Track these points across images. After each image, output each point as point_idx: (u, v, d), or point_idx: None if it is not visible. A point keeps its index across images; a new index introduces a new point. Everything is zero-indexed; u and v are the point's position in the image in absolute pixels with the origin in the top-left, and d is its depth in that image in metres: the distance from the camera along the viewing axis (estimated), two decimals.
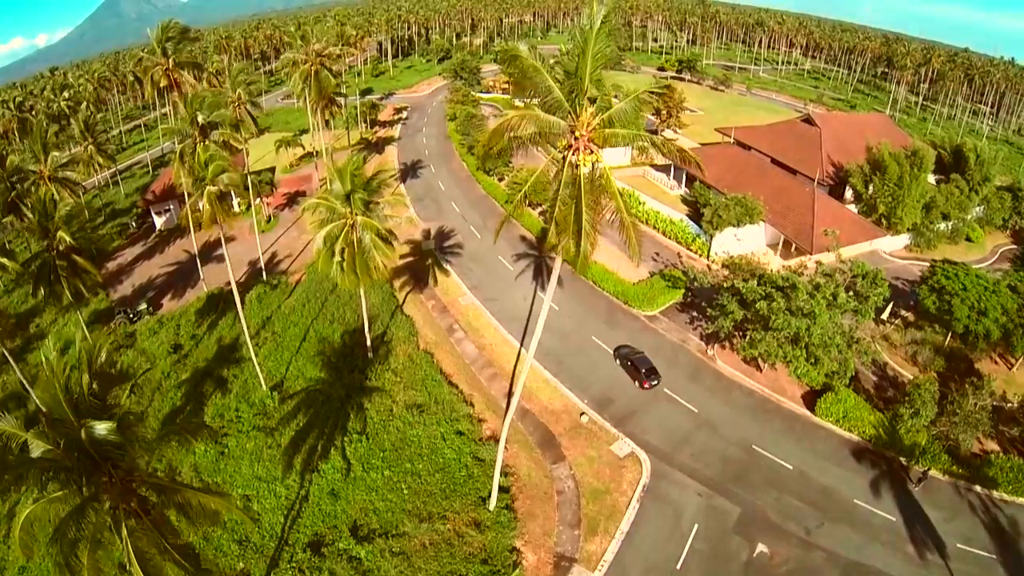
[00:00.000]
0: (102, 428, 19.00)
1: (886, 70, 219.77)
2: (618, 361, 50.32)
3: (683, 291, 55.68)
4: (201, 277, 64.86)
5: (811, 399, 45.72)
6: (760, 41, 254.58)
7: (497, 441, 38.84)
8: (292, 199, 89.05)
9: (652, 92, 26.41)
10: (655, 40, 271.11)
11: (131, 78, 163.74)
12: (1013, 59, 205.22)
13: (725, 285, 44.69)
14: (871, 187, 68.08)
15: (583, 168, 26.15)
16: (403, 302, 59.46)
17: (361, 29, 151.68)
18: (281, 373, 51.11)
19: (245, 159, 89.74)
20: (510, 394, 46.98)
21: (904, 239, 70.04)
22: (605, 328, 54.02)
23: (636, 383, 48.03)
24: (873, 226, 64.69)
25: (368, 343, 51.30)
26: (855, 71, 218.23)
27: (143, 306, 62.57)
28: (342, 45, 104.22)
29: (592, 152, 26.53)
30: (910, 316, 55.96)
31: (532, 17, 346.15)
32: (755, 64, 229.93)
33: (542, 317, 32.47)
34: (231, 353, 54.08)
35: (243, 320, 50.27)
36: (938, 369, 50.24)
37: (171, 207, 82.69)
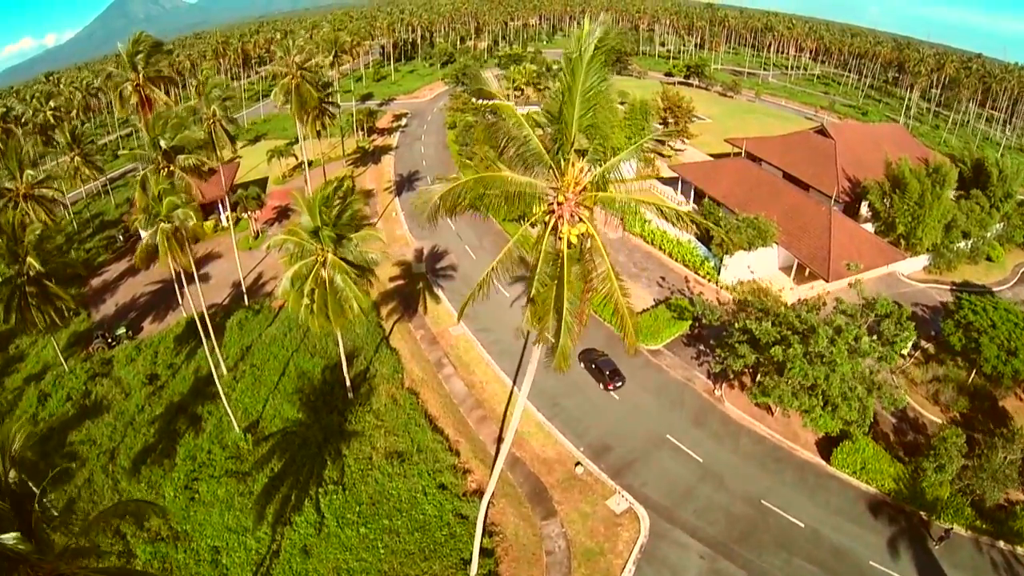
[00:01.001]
0: (8, 538, 17.10)
1: (897, 75, 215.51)
2: (582, 365, 49.59)
3: (690, 322, 51.87)
4: (179, 303, 61.56)
5: (826, 446, 42.09)
6: (769, 46, 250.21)
7: (483, 495, 35.29)
8: (283, 213, 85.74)
9: (657, 140, 22.03)
10: (662, 44, 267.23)
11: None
12: None
13: (736, 325, 40.76)
14: (890, 204, 64.22)
15: (569, 239, 21.32)
16: (390, 332, 55.89)
17: (357, 35, 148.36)
18: (258, 411, 47.78)
19: (224, 174, 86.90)
20: (499, 440, 43.47)
21: (923, 260, 66.25)
22: None
23: (600, 385, 47.84)
24: (893, 248, 60.77)
25: (348, 383, 47.82)
26: (866, 77, 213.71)
27: (121, 330, 59.72)
28: (335, 53, 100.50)
29: (581, 220, 21.66)
30: (931, 348, 52.22)
31: (538, 20, 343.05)
32: (764, 69, 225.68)
33: (534, 361, 27.92)
34: (207, 386, 50.67)
35: (218, 354, 47.20)
36: (961, 410, 46.77)
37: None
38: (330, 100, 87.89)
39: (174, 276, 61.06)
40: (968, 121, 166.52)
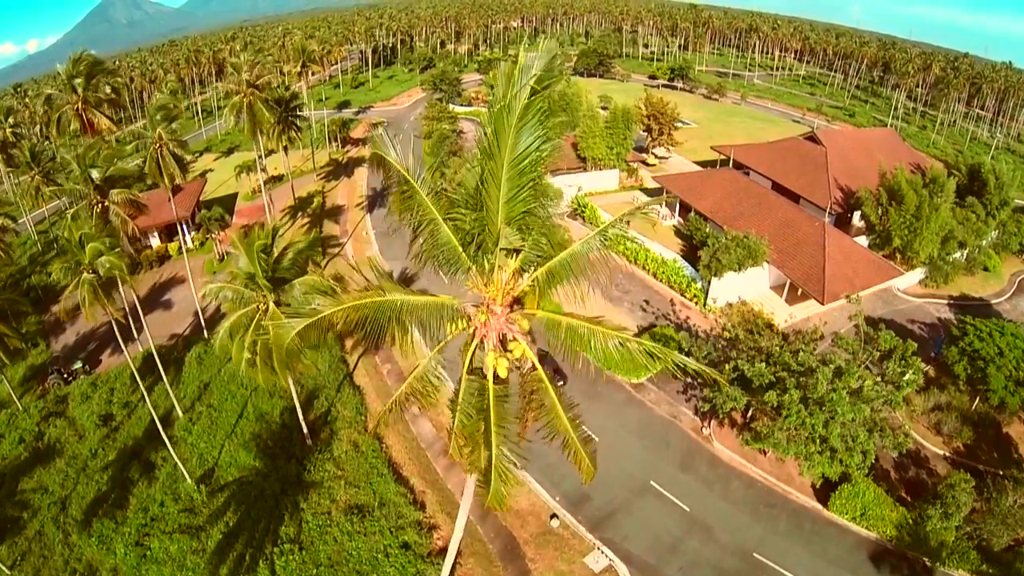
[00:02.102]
0: None
1: (883, 75, 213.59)
2: None
3: (680, 336, 47.91)
4: (135, 337, 57.57)
5: (823, 488, 38.61)
6: (754, 46, 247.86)
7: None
8: (249, 232, 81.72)
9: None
10: (646, 46, 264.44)
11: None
12: (1011, 63, 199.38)
13: (727, 366, 37.11)
14: (885, 216, 61.12)
15: (496, 371, 16.04)
16: (355, 368, 52.03)
17: (328, 43, 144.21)
18: (214, 457, 44.19)
19: (189, 192, 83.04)
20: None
21: (918, 273, 63.22)
22: (583, 400, 45.82)
23: None
24: (890, 265, 57.56)
25: (305, 430, 44.08)
26: (852, 77, 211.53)
27: (78, 364, 56.37)
28: (303, 62, 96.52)
29: (515, 340, 16.30)
30: (930, 370, 49.08)
31: (520, 22, 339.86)
32: (749, 70, 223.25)
33: (468, 493, 23.29)
34: (166, 428, 46.91)
35: (172, 398, 43.53)
36: (965, 440, 43.71)
37: (119, 245, 75.81)
38: (296, 113, 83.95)
39: (128, 310, 57.52)
40: (955, 121, 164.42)
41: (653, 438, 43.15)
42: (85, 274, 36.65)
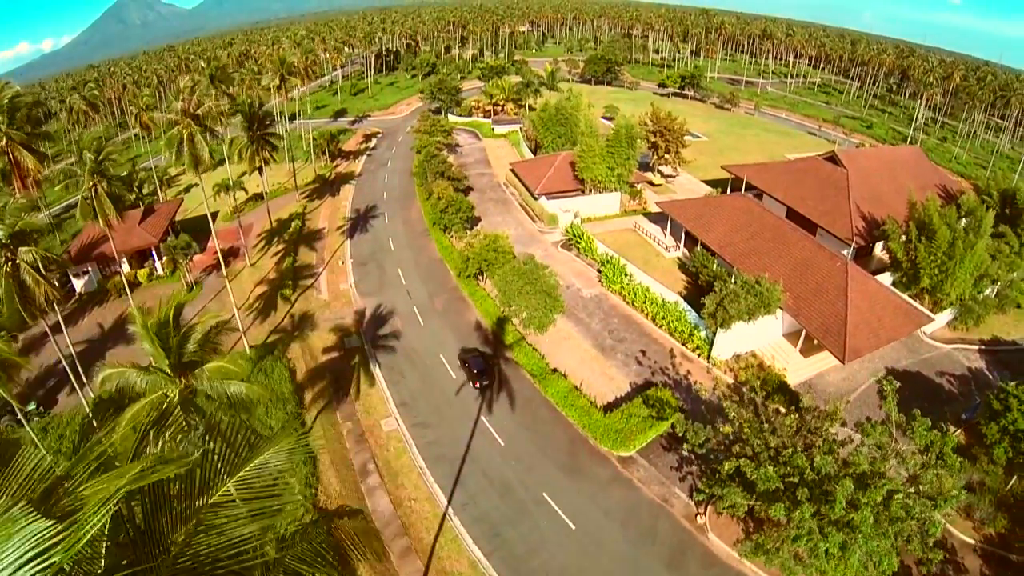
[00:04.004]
0: None
1: (899, 83, 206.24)
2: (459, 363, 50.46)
3: (673, 420, 40.92)
4: (85, 383, 51.76)
5: None
6: (767, 53, 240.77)
7: None
8: (224, 257, 76.03)
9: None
10: (656, 52, 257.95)
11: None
12: None
13: (726, 466, 30.28)
14: (913, 252, 54.41)
15: None
16: (311, 426, 45.84)
17: (312, 53, 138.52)
18: None
19: (162, 213, 77.46)
20: None
21: (947, 315, 56.38)
22: (562, 477, 39.89)
23: (471, 383, 48.02)
24: (920, 310, 50.76)
25: None
26: (868, 85, 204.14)
27: (32, 406, 51.53)
28: (282, 75, 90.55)
29: None
30: (960, 435, 42.40)
31: (529, 27, 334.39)
32: (762, 77, 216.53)
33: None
34: None
35: None
36: (999, 529, 37.01)
37: (89, 270, 70.60)
38: (270, 132, 78.19)
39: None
40: (975, 132, 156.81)
41: (639, 527, 36.51)
42: None
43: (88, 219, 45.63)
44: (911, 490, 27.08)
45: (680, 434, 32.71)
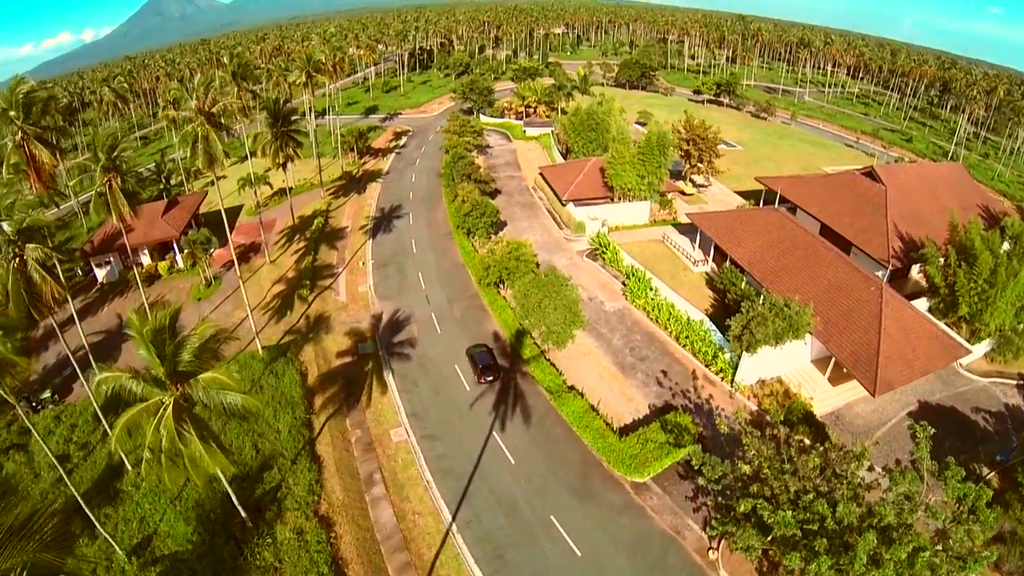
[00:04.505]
0: None
1: (939, 95, 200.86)
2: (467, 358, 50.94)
3: (690, 448, 38.91)
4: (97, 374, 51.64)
5: None
6: (805, 61, 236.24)
7: None
8: (246, 253, 75.75)
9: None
10: (692, 58, 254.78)
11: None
12: None
13: (740, 507, 28.23)
14: (952, 277, 51.88)
15: None
16: (320, 432, 44.78)
17: (341, 51, 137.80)
18: (155, 523, 38.18)
19: (185, 206, 77.27)
20: None
21: (984, 346, 53.64)
22: (572, 501, 38.25)
23: (476, 379, 48.66)
24: (957, 341, 48.19)
25: (243, 514, 37.11)
26: (908, 97, 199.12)
27: (47, 394, 52.16)
28: (308, 73, 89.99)
29: None
30: (993, 478, 39.97)
31: (566, 28, 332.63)
32: (799, 86, 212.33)
33: None
34: (115, 479, 42.00)
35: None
36: None
37: (111, 260, 70.74)
38: (295, 128, 77.61)
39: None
40: (1020, 149, 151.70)
41: (647, 559, 34.73)
42: None
43: (102, 214, 45.15)
44: (939, 547, 25.09)
45: (696, 467, 30.95)
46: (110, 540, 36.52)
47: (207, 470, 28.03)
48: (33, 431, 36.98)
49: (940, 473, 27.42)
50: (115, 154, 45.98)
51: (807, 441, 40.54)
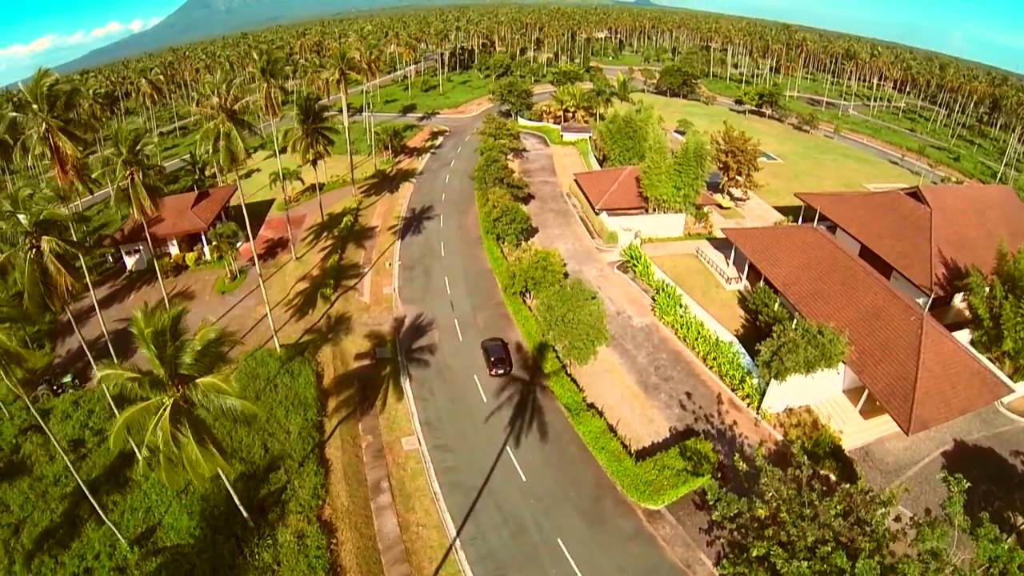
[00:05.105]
0: None
1: (989, 113, 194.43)
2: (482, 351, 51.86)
3: (707, 479, 36.51)
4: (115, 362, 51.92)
5: None
6: (850, 73, 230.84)
7: None
8: (273, 248, 75.71)
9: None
10: (735, 66, 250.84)
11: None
12: None
13: (753, 552, 26.44)
14: (998, 309, 49.32)
15: None
16: (330, 435, 44.04)
17: (376, 48, 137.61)
18: (160, 514, 38.34)
19: (216, 199, 77.55)
20: None
21: None
22: (581, 524, 36.85)
23: (488, 371, 49.59)
24: (1000, 378, 45.60)
25: (245, 514, 36.55)
26: (956, 113, 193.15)
27: (68, 378, 52.82)
28: (342, 70, 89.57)
29: None
30: None
31: (609, 33, 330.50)
32: (844, 99, 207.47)
33: None
34: (125, 467, 42.55)
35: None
36: None
37: (140, 248, 71.30)
38: (326, 126, 77.40)
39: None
40: None
41: None
42: None
43: (123, 208, 45.07)
44: None
45: (711, 503, 29.38)
46: (114, 529, 36.71)
47: (205, 472, 27.44)
48: (40, 422, 36.76)
49: (972, 530, 25.53)
50: (137, 148, 45.84)
51: (833, 477, 38.78)
